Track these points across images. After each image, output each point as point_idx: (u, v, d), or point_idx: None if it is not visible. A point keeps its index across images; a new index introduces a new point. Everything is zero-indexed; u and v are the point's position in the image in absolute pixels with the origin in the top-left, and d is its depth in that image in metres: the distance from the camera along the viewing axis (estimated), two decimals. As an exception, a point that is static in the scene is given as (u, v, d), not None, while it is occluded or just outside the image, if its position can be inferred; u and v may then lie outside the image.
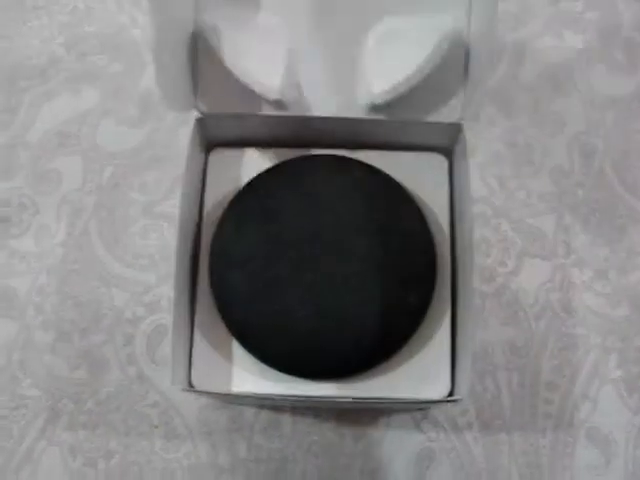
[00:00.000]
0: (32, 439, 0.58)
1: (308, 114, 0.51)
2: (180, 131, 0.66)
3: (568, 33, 0.70)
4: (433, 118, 0.51)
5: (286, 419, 0.58)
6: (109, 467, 0.57)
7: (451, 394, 0.49)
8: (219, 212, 0.52)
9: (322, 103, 0.51)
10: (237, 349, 0.50)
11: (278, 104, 0.50)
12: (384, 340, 0.47)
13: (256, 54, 0.50)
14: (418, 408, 0.57)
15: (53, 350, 0.60)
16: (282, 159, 0.53)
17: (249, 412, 0.58)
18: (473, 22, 0.51)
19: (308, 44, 0.51)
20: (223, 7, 0.51)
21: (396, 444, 0.57)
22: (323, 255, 0.48)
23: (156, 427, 0.58)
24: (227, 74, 0.50)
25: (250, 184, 0.52)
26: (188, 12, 0.50)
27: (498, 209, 0.63)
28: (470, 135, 0.48)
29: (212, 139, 0.54)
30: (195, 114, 0.51)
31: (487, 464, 0.57)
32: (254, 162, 0.54)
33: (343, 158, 0.52)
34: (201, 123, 0.51)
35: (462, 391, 0.46)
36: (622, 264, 0.62)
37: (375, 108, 0.50)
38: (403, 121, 0.51)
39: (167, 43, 0.47)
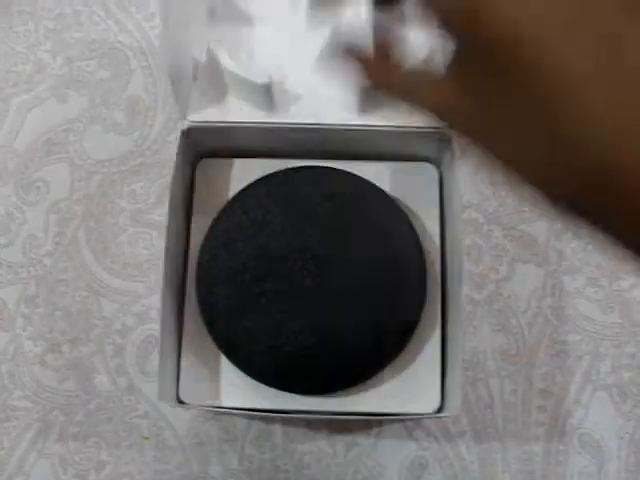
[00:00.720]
0: (23, 451, 0.58)
1: (295, 119, 0.50)
2: (168, 138, 0.65)
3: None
4: (423, 124, 0.50)
5: (277, 429, 0.58)
6: (100, 478, 0.57)
7: (441, 407, 0.49)
8: (207, 222, 0.52)
9: (310, 89, 0.50)
10: (225, 363, 0.50)
11: (266, 102, 0.49)
12: (373, 356, 0.47)
13: (244, 41, 0.50)
14: (410, 419, 0.57)
15: (42, 361, 0.60)
16: (270, 170, 0.52)
17: (240, 423, 0.58)
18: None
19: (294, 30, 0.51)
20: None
21: (388, 453, 0.57)
22: (312, 269, 0.47)
23: (147, 438, 0.58)
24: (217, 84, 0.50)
25: (238, 196, 0.51)
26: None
27: (490, 216, 0.63)
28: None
29: (200, 149, 0.54)
30: (182, 125, 0.50)
31: (480, 472, 0.57)
32: (242, 173, 0.54)
33: (332, 169, 0.51)
34: (188, 133, 0.51)
35: (452, 406, 0.46)
36: (614, 270, 0.61)
37: (366, 108, 0.50)
38: (392, 128, 0.50)
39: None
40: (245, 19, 0.54)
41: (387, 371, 0.48)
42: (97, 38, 0.69)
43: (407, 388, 0.49)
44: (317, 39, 0.53)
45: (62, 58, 0.69)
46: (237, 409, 0.48)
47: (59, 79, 0.68)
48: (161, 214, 0.63)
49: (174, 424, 0.58)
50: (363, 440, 0.57)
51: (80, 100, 0.68)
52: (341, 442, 0.57)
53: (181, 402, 0.50)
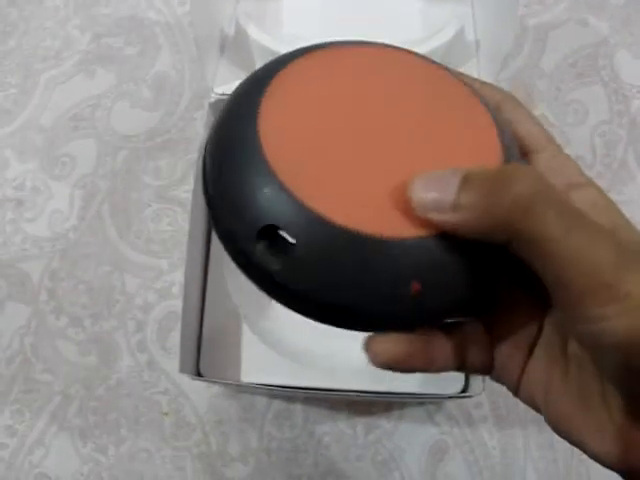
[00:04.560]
0: (43, 423, 0.58)
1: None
2: (195, 115, 0.65)
3: (593, 19, 0.68)
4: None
5: (298, 409, 0.57)
6: (119, 453, 0.57)
7: (465, 389, 0.49)
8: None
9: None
10: (247, 338, 0.50)
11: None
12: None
13: (272, 13, 0.50)
14: (432, 401, 0.56)
15: (65, 335, 0.60)
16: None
17: (260, 402, 0.57)
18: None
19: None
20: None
21: (409, 436, 0.56)
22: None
23: (166, 414, 0.58)
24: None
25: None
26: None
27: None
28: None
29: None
30: (210, 98, 0.50)
31: (502, 458, 0.56)
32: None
33: None
34: (215, 107, 0.51)
35: (476, 387, 0.45)
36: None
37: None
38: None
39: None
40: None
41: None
42: (125, 14, 0.69)
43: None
44: (344, 10, 0.52)
45: (90, 34, 0.69)
46: (257, 385, 0.48)
47: (87, 55, 0.69)
48: (186, 191, 0.63)
49: (194, 401, 0.58)
50: (384, 423, 0.57)
51: (107, 76, 0.68)
52: (362, 424, 0.57)
53: (201, 376, 0.49)
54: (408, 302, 0.24)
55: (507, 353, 0.27)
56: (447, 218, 0.23)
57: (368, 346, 0.26)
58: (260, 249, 0.24)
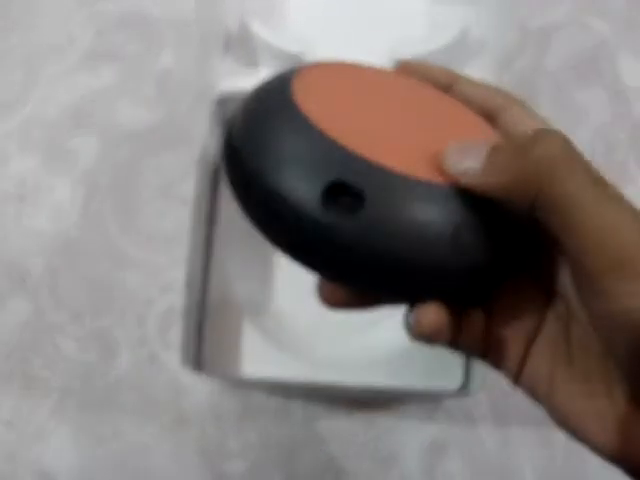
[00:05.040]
0: (42, 418, 0.58)
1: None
2: (198, 113, 0.65)
3: (595, 20, 0.69)
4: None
5: (297, 405, 0.57)
6: (118, 448, 0.57)
7: (464, 387, 0.49)
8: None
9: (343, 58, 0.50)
10: (248, 333, 0.50)
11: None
12: None
13: (277, 11, 0.50)
14: (431, 399, 0.57)
15: (65, 331, 0.60)
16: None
17: (260, 397, 0.57)
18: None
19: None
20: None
21: (408, 433, 0.57)
22: None
23: (166, 410, 0.58)
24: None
25: None
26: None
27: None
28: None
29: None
30: (214, 94, 0.50)
31: (500, 457, 0.56)
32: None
33: None
34: (219, 103, 0.51)
35: (476, 384, 0.45)
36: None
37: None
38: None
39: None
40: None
41: (410, 347, 0.48)
42: (130, 11, 0.70)
43: (430, 364, 0.48)
44: (348, 8, 0.53)
45: (94, 30, 0.69)
46: (257, 379, 0.48)
47: (90, 51, 0.69)
48: (188, 188, 0.62)
49: (193, 396, 0.58)
50: (383, 420, 0.57)
51: (111, 72, 0.68)
52: (361, 420, 0.57)
53: (202, 370, 0.49)
54: (450, 252, 0.24)
55: (506, 339, 0.27)
56: (476, 181, 0.24)
57: (415, 315, 0.25)
58: (325, 209, 0.23)
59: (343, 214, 0.23)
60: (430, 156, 0.25)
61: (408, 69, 0.31)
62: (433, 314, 0.25)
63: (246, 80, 0.50)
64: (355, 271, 0.25)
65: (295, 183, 0.24)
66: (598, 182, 0.22)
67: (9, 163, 0.65)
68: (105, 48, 0.68)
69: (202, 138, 0.48)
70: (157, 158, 0.64)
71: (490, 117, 0.29)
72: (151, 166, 0.64)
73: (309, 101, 0.25)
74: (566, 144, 0.23)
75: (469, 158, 0.24)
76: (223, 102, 0.51)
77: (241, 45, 0.52)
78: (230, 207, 0.53)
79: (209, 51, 0.48)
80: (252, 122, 0.26)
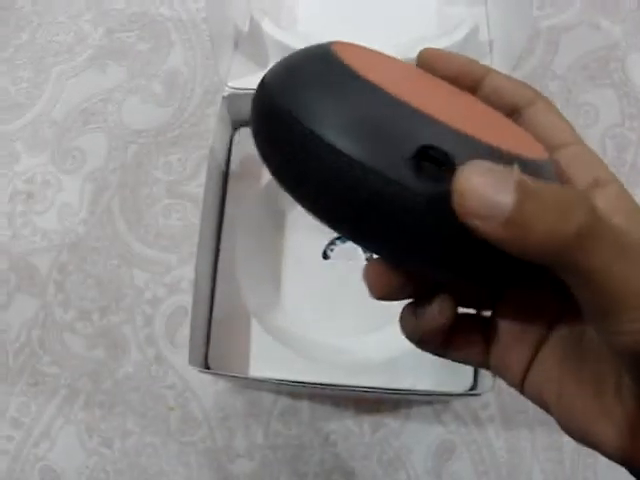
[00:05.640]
0: (50, 416, 0.58)
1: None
2: (207, 111, 0.65)
3: (605, 21, 0.68)
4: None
5: (304, 406, 0.57)
6: (124, 447, 0.57)
7: (473, 388, 0.48)
8: (243, 192, 0.52)
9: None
10: (256, 333, 0.49)
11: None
12: None
13: (287, 9, 0.50)
14: (439, 400, 0.56)
15: (72, 328, 0.60)
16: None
17: (267, 398, 0.57)
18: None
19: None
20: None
21: (415, 435, 0.56)
22: None
23: (172, 409, 0.58)
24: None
25: None
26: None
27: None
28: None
29: (238, 119, 0.54)
30: (223, 91, 0.50)
31: (508, 459, 0.56)
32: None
33: None
34: (228, 101, 0.51)
35: (485, 385, 0.45)
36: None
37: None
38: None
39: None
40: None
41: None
42: (138, 10, 0.70)
43: (440, 366, 0.48)
44: (358, 7, 0.53)
45: (103, 29, 0.69)
46: (265, 379, 0.48)
47: (99, 50, 0.69)
48: (196, 186, 0.63)
49: (200, 396, 0.58)
50: (391, 421, 0.57)
51: (119, 71, 0.68)
52: (368, 422, 0.57)
53: (209, 369, 0.49)
54: None
55: (510, 345, 0.27)
56: (493, 229, 0.20)
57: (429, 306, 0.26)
58: (415, 176, 0.21)
59: (431, 181, 0.21)
60: (499, 134, 0.24)
61: (433, 55, 0.29)
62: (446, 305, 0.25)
63: (255, 78, 0.50)
64: (435, 248, 0.22)
65: (376, 148, 0.21)
66: (620, 245, 0.21)
67: (18, 161, 0.65)
68: (114, 47, 0.69)
69: (211, 136, 0.48)
70: (165, 156, 0.64)
71: (515, 111, 0.28)
72: (159, 164, 0.64)
73: (362, 68, 0.23)
74: (595, 212, 0.20)
75: (500, 193, 0.20)
76: (232, 100, 0.51)
77: (251, 43, 0.52)
78: (238, 206, 0.53)
79: (218, 49, 0.48)
80: (309, 88, 0.23)
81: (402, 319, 0.27)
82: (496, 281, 0.24)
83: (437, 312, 0.26)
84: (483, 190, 0.20)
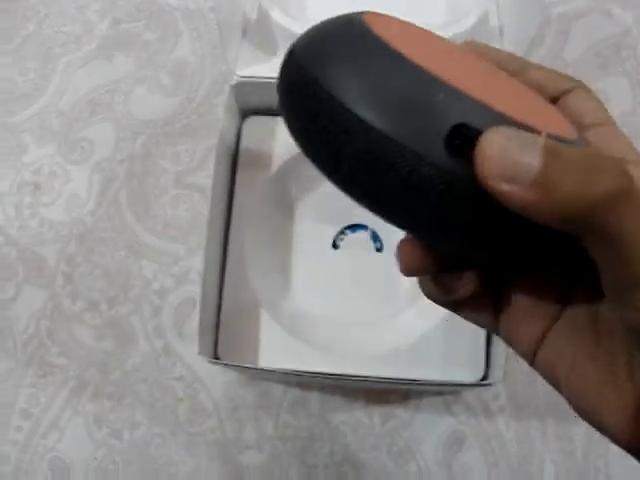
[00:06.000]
0: (58, 407, 0.58)
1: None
2: (214, 101, 0.65)
3: (617, 8, 0.68)
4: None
5: (314, 397, 0.57)
6: (133, 438, 0.57)
7: (484, 378, 0.48)
8: (252, 182, 0.51)
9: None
10: (265, 323, 0.49)
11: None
12: None
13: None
14: (450, 391, 0.56)
15: (81, 319, 0.60)
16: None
17: (276, 389, 0.57)
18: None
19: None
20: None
21: (426, 426, 0.56)
22: None
23: (181, 400, 0.57)
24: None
25: None
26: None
27: None
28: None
29: (247, 108, 0.53)
30: (231, 80, 0.50)
31: (519, 449, 0.55)
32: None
33: None
34: (237, 89, 0.50)
35: (496, 375, 0.44)
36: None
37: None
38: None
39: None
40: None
41: (430, 338, 0.47)
42: (145, 0, 0.69)
43: (451, 356, 0.48)
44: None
45: (110, 19, 0.69)
46: (274, 370, 0.47)
47: (106, 40, 0.68)
48: (204, 176, 0.62)
49: (209, 387, 0.57)
50: (401, 412, 0.56)
51: (126, 61, 0.67)
52: (378, 413, 0.56)
53: (219, 360, 0.49)
54: None
55: (521, 319, 0.27)
56: (520, 193, 0.19)
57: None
58: (450, 155, 0.20)
59: (462, 159, 0.20)
60: (530, 112, 0.23)
61: (474, 49, 0.29)
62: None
63: (264, 67, 0.49)
64: (468, 227, 0.22)
65: (411, 125, 0.20)
66: None
67: (26, 151, 0.65)
68: (121, 37, 0.68)
69: (219, 126, 0.47)
70: (173, 147, 0.64)
71: (553, 99, 0.28)
72: (167, 154, 0.64)
73: (394, 40, 0.22)
74: (627, 176, 0.20)
75: (529, 159, 0.19)
76: (241, 88, 0.50)
77: (259, 31, 0.51)
78: (247, 195, 0.52)
79: (226, 37, 0.47)
80: (341, 62, 0.22)
81: (423, 283, 0.27)
82: (523, 261, 0.24)
83: (462, 286, 0.26)
84: (507, 152, 0.19)
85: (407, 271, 0.26)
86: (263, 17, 0.50)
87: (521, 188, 0.19)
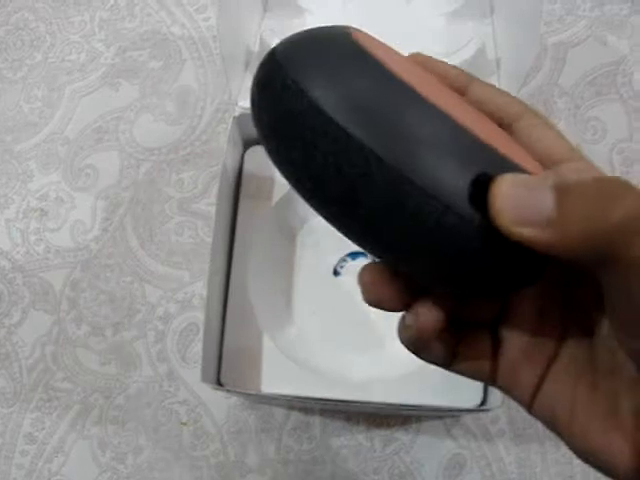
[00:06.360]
0: (63, 432, 0.58)
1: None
2: (218, 129, 0.66)
3: (612, 37, 0.69)
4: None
5: (316, 421, 0.57)
6: (137, 462, 0.57)
7: (483, 402, 0.49)
8: (254, 210, 0.52)
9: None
10: (268, 350, 0.50)
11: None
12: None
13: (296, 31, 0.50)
14: (449, 415, 0.57)
15: (85, 344, 0.60)
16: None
17: (279, 413, 0.58)
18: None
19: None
20: None
21: (426, 450, 0.57)
22: None
23: (185, 424, 0.58)
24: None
25: None
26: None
27: None
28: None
29: (249, 138, 0.54)
30: (234, 111, 0.51)
31: (518, 473, 0.56)
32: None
33: None
34: (239, 120, 0.51)
35: (494, 401, 0.45)
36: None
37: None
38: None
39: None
40: (297, 10, 0.55)
41: (430, 365, 0.48)
42: (150, 29, 0.71)
43: (450, 381, 0.48)
44: (366, 26, 0.53)
45: (115, 48, 0.70)
46: (277, 395, 0.48)
47: (111, 68, 0.70)
48: (207, 204, 0.63)
49: (212, 411, 0.58)
50: (401, 436, 0.57)
51: (131, 89, 0.69)
52: (379, 437, 0.57)
53: (222, 386, 0.50)
54: None
55: (519, 362, 0.26)
56: (539, 235, 0.20)
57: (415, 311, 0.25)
58: (471, 204, 0.20)
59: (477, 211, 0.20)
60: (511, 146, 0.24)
61: (422, 63, 0.28)
62: (432, 312, 0.25)
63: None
64: (468, 271, 0.22)
65: (437, 171, 0.20)
66: None
67: (32, 179, 0.66)
68: (126, 65, 0.69)
69: (222, 154, 0.48)
70: (177, 174, 0.65)
71: (502, 124, 0.27)
72: (171, 182, 0.65)
73: (385, 59, 0.22)
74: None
75: (540, 203, 0.20)
76: (243, 119, 0.51)
77: (261, 63, 0.52)
78: (250, 224, 0.53)
79: (230, 70, 0.48)
80: (343, 89, 0.21)
81: (399, 330, 0.27)
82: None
83: (418, 316, 0.25)
84: (520, 198, 0.20)
85: (369, 299, 0.26)
86: (265, 49, 0.51)
87: (539, 231, 0.20)
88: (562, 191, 0.20)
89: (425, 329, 0.25)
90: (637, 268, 0.19)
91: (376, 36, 0.27)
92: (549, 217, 0.20)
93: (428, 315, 0.25)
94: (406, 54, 0.29)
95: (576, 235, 0.20)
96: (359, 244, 0.23)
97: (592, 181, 0.21)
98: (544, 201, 0.20)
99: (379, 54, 0.22)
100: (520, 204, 0.20)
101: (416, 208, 0.20)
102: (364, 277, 0.26)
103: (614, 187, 0.20)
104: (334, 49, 0.22)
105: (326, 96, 0.21)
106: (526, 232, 0.20)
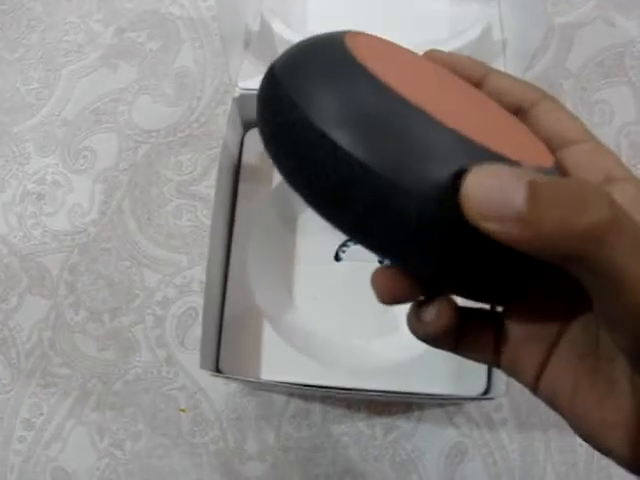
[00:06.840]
0: (61, 418, 0.58)
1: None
2: (217, 110, 0.65)
3: (620, 18, 0.67)
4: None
5: (316, 408, 0.57)
6: (136, 448, 0.57)
7: (487, 390, 0.48)
8: (254, 193, 0.51)
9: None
10: (268, 336, 0.49)
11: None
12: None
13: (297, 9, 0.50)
14: (452, 403, 0.56)
15: (83, 330, 0.60)
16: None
17: (278, 400, 0.57)
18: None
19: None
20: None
21: (428, 437, 0.56)
22: None
23: (183, 411, 0.57)
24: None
25: None
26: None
27: None
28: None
29: (249, 120, 0.53)
30: (234, 92, 0.50)
31: (521, 461, 0.55)
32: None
33: None
34: (239, 102, 0.50)
35: (498, 389, 0.44)
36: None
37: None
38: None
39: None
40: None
41: (432, 351, 0.47)
42: (148, 9, 0.69)
43: (453, 369, 0.48)
44: (369, 8, 0.52)
45: (113, 28, 0.69)
46: (276, 382, 0.47)
47: (109, 49, 0.68)
48: (206, 186, 0.62)
49: (212, 398, 0.57)
50: (403, 424, 0.56)
51: (129, 70, 0.68)
52: (380, 424, 0.56)
53: (221, 373, 0.49)
54: None
55: (522, 345, 0.27)
56: (507, 230, 0.20)
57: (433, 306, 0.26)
58: (451, 199, 0.21)
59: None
60: (507, 139, 0.24)
61: (437, 58, 0.29)
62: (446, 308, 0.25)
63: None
64: (455, 264, 0.23)
65: (419, 170, 0.21)
66: None
67: (29, 161, 0.65)
68: (124, 46, 0.68)
69: (222, 136, 0.48)
70: (176, 156, 0.64)
71: (520, 111, 0.28)
72: (170, 164, 0.64)
73: (375, 65, 0.23)
74: (614, 206, 0.20)
75: (498, 198, 0.20)
76: (243, 101, 0.50)
77: (261, 43, 0.51)
78: (250, 207, 0.52)
79: (229, 50, 0.47)
80: (334, 102, 0.22)
81: (408, 320, 0.27)
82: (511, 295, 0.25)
83: (435, 315, 0.26)
84: (491, 191, 0.20)
85: (384, 299, 0.26)
86: (265, 29, 0.50)
87: (508, 225, 0.19)
88: (536, 188, 0.19)
89: (444, 326, 0.26)
90: (606, 272, 0.20)
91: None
92: (519, 212, 0.19)
93: (448, 314, 0.26)
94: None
95: (546, 234, 0.19)
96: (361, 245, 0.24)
97: (567, 181, 0.20)
98: (515, 195, 0.19)
99: (370, 61, 0.23)
100: (490, 196, 0.20)
101: (400, 210, 0.21)
102: (377, 280, 0.26)
103: (587, 191, 0.20)
104: (325, 62, 0.24)
105: (314, 108, 0.22)
106: (493, 226, 0.20)
